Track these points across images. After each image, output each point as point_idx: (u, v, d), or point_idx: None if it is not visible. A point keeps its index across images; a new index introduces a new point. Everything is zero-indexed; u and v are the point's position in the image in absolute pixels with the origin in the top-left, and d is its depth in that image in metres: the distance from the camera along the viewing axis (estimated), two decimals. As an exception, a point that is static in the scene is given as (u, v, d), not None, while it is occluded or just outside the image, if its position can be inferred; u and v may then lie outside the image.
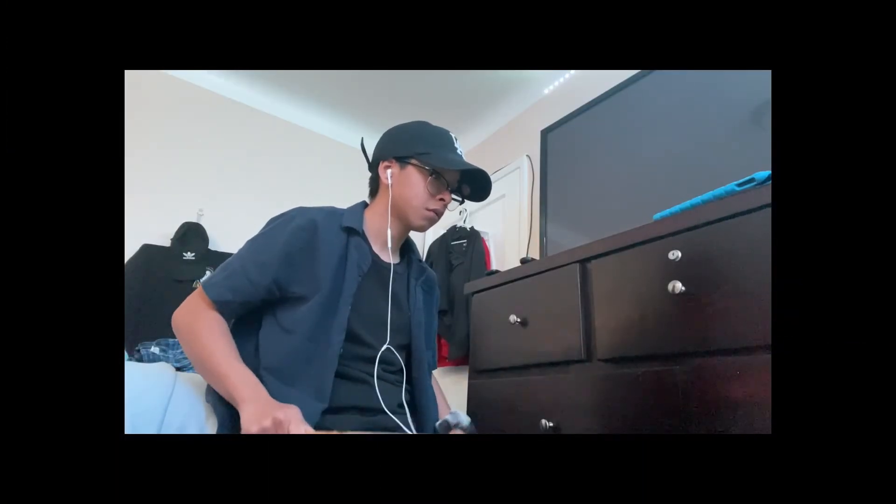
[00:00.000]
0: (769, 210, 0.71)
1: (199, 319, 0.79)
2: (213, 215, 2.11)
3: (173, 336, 1.05)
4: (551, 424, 0.97)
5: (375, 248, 0.95)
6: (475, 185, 1.00)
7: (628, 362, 0.88)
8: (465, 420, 0.97)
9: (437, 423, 0.95)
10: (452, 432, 0.95)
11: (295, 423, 0.66)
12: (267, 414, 0.66)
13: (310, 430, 0.68)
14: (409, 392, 0.95)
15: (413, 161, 0.93)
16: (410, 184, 0.93)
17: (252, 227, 0.96)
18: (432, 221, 0.96)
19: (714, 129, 1.28)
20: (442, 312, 2.00)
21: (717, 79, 1.30)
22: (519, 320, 1.12)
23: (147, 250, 1.87)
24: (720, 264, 0.76)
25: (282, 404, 0.69)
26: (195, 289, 0.85)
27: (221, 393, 0.75)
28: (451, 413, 0.97)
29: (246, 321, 0.86)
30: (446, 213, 1.00)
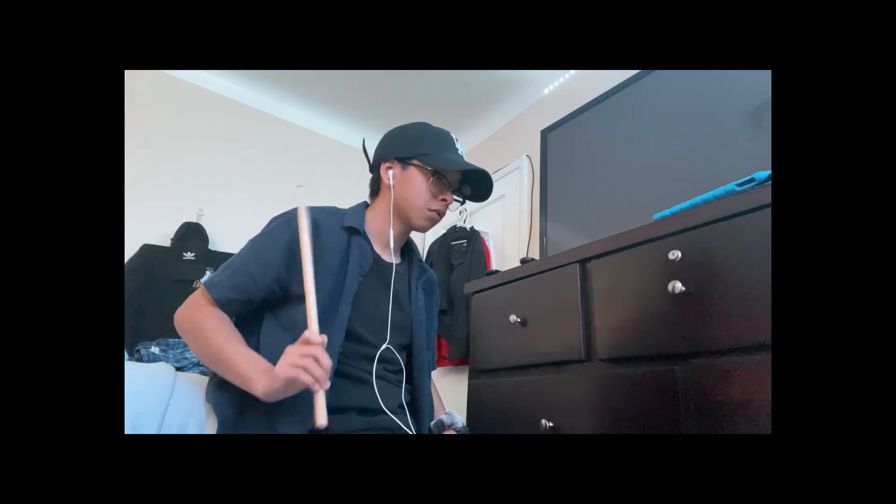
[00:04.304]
0: (769, 210, 0.71)
1: (201, 315, 0.80)
2: (213, 215, 2.11)
3: (173, 336, 1.05)
4: (551, 424, 0.97)
5: (377, 248, 0.95)
6: (476, 185, 1.00)
7: (628, 362, 0.88)
8: (460, 421, 0.97)
9: (432, 423, 0.95)
10: (446, 432, 0.95)
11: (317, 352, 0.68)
12: (283, 369, 0.68)
13: (322, 336, 0.70)
14: (409, 392, 0.95)
15: (415, 162, 0.93)
16: (412, 184, 0.93)
17: (252, 227, 0.96)
18: (434, 222, 0.96)
19: (714, 129, 1.28)
20: (442, 312, 2.00)
21: (717, 79, 1.30)
22: (519, 320, 1.12)
23: (147, 250, 1.87)
24: (720, 264, 0.76)
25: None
26: (196, 289, 0.85)
27: (231, 380, 0.75)
28: (446, 413, 0.97)
29: (247, 320, 0.86)
30: (446, 213, 1.00)
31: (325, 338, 0.70)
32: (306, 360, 0.67)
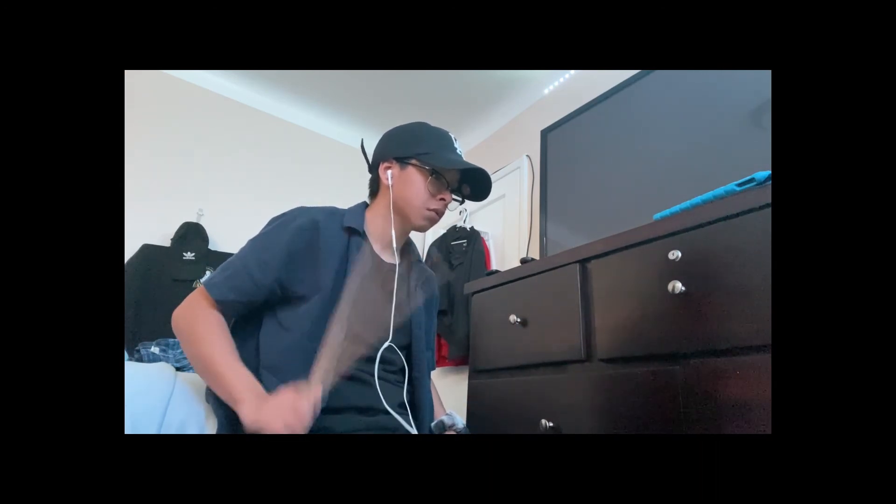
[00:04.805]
0: (769, 210, 0.71)
1: (199, 318, 0.79)
2: (213, 215, 2.11)
3: (173, 336, 1.05)
4: (551, 424, 0.97)
5: (376, 249, 0.95)
6: (475, 184, 1.01)
7: (628, 362, 0.88)
8: (461, 422, 0.97)
9: (433, 424, 0.95)
10: (447, 433, 0.95)
11: (304, 399, 0.68)
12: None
13: (318, 391, 0.69)
14: (409, 392, 0.95)
15: (413, 161, 0.93)
16: (411, 184, 0.93)
17: (252, 227, 0.96)
18: (433, 221, 0.96)
19: (714, 129, 1.28)
20: (442, 312, 2.00)
21: (717, 79, 1.30)
22: (519, 320, 1.12)
23: (147, 250, 1.87)
24: (720, 264, 0.76)
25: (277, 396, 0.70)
26: (195, 288, 0.85)
27: (219, 393, 0.75)
28: (446, 414, 0.97)
29: (246, 320, 0.86)
30: (446, 212, 1.00)
31: (318, 397, 0.69)
32: (296, 425, 0.66)
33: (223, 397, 0.74)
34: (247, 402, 0.69)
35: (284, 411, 0.66)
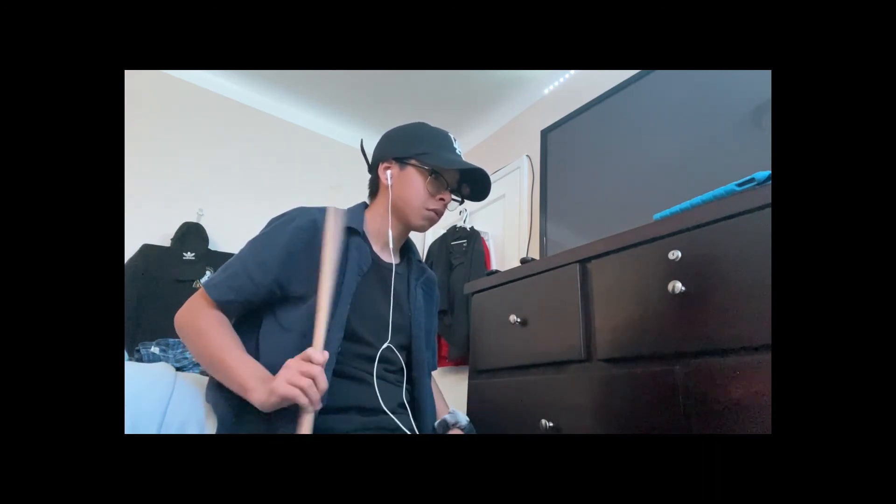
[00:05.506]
0: (769, 210, 0.71)
1: (200, 317, 0.80)
2: (213, 215, 2.11)
3: (174, 336, 1.05)
4: (551, 424, 0.96)
5: (376, 249, 0.95)
6: (475, 184, 1.01)
7: (628, 362, 0.88)
8: (464, 420, 0.97)
9: (436, 423, 0.95)
10: (451, 432, 0.95)
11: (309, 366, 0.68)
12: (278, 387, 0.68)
13: (325, 354, 0.70)
14: (409, 392, 0.95)
15: (412, 161, 0.93)
16: (410, 184, 0.93)
17: (252, 227, 0.96)
18: (432, 221, 0.96)
19: (714, 129, 1.28)
20: (442, 312, 2.00)
21: (717, 79, 1.30)
22: (519, 320, 1.12)
23: (147, 250, 1.87)
24: (720, 264, 0.76)
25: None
26: (195, 289, 0.85)
27: (229, 386, 0.75)
28: (449, 413, 0.97)
29: (246, 320, 0.86)
30: (446, 213, 1.00)
31: (326, 356, 0.70)
32: (305, 381, 0.67)
33: (233, 388, 0.75)
34: (256, 388, 0.71)
35: (291, 374, 0.67)
